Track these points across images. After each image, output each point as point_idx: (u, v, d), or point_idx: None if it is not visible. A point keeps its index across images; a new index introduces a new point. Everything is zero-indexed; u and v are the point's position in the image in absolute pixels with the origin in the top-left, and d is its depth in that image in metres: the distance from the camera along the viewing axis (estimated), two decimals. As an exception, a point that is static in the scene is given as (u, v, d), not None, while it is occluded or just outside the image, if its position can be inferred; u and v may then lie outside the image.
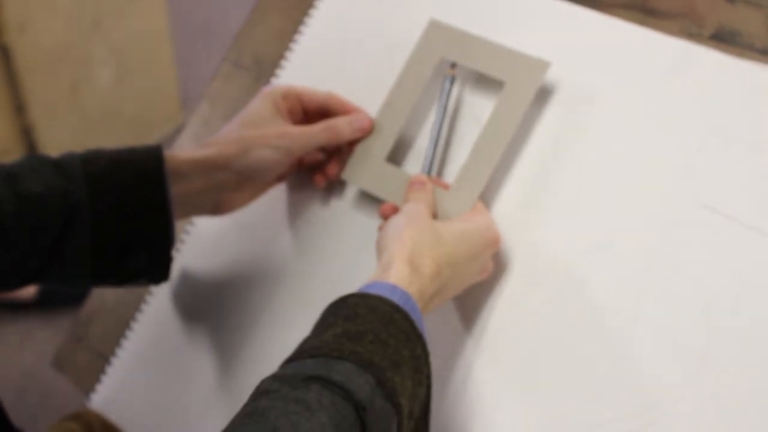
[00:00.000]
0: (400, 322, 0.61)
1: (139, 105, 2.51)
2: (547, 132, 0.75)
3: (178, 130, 0.97)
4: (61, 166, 0.74)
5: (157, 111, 2.58)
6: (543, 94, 0.76)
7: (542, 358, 0.70)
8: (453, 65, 0.78)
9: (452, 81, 0.79)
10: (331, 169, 0.82)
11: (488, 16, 0.81)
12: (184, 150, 0.78)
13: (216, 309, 0.86)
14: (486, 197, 0.75)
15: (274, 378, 0.56)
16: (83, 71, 2.30)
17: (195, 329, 0.87)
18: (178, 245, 0.89)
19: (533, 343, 0.71)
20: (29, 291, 2.04)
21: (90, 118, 2.37)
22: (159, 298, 0.90)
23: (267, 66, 0.93)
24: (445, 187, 0.76)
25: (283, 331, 0.81)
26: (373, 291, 0.63)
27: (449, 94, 0.78)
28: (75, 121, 2.33)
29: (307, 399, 0.54)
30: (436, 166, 0.78)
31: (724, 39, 0.72)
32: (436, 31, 0.80)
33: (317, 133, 0.79)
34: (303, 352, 0.59)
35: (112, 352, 0.91)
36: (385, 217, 0.75)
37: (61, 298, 2.04)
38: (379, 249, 0.69)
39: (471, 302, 0.74)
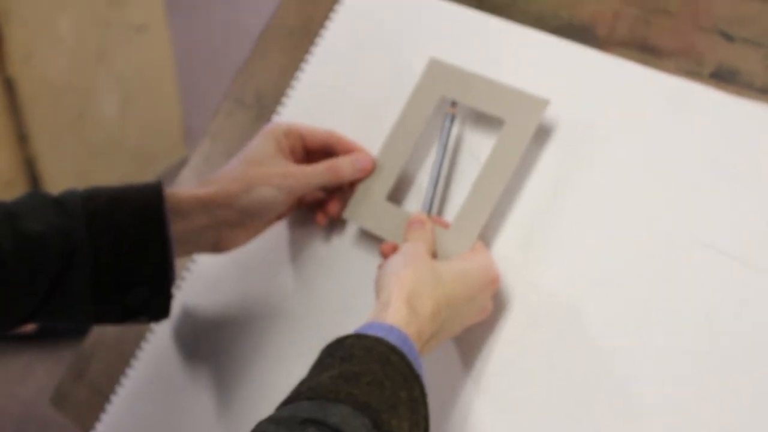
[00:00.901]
0: (397, 364, 0.61)
1: (143, 136, 2.52)
2: (547, 170, 0.75)
3: (181, 162, 0.98)
4: (62, 204, 0.73)
5: (160, 142, 2.58)
6: (543, 133, 0.76)
7: (542, 399, 0.70)
8: (453, 104, 0.79)
9: (452, 119, 0.79)
10: (332, 207, 0.82)
11: (488, 55, 0.81)
12: (185, 187, 0.78)
13: (216, 347, 0.86)
14: (486, 236, 0.75)
15: (270, 420, 0.56)
16: (87, 102, 2.31)
17: (195, 367, 0.87)
18: (178, 282, 0.89)
19: (533, 383, 0.71)
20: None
21: (93, 149, 2.38)
22: (159, 335, 0.90)
23: (269, 102, 0.93)
24: (445, 225, 0.76)
25: (282, 370, 0.81)
26: (370, 332, 0.62)
27: (450, 132, 0.79)
28: (78, 152, 2.34)
29: None
30: (436, 205, 0.78)
31: (724, 78, 0.72)
32: (436, 69, 0.81)
33: (319, 173, 0.79)
34: (299, 394, 0.58)
35: (112, 390, 0.90)
36: (385, 256, 0.75)
37: (62, 331, 2.04)
38: (378, 288, 0.69)
39: (470, 342, 0.74)
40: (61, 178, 2.29)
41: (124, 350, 0.92)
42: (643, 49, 0.76)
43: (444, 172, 0.79)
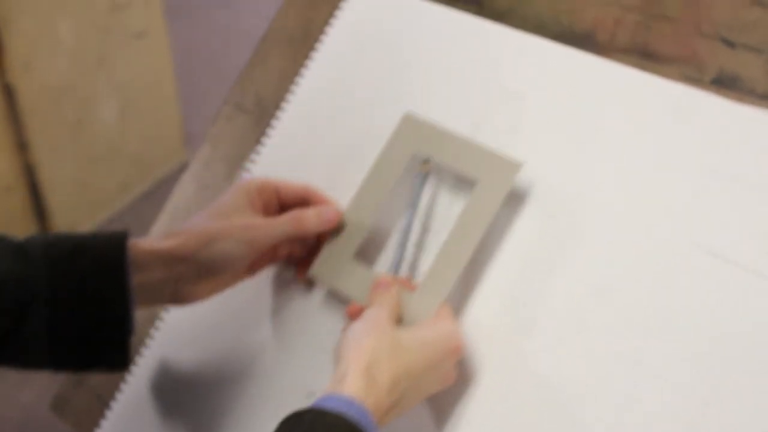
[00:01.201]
0: None
1: (143, 142, 2.52)
2: (540, 171, 0.75)
3: (181, 167, 0.97)
4: (23, 250, 0.72)
5: (160, 148, 2.59)
6: (538, 138, 0.76)
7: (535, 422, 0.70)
8: (426, 161, 0.77)
9: (425, 178, 0.77)
10: (305, 266, 0.81)
11: (489, 61, 0.81)
12: (149, 238, 0.76)
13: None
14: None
15: None
16: (87, 109, 2.32)
17: (191, 376, 0.86)
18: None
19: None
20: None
21: (93, 155, 2.38)
22: (159, 342, 0.90)
23: (269, 107, 0.93)
24: (413, 288, 0.74)
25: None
26: (329, 405, 0.61)
27: (421, 191, 0.77)
28: (78, 159, 2.34)
29: None
30: (407, 265, 0.77)
31: (725, 84, 0.72)
32: (409, 125, 0.79)
33: (282, 224, 0.77)
34: None
35: (112, 396, 0.90)
36: (352, 317, 0.73)
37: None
38: (337, 356, 0.67)
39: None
40: (61, 184, 2.29)
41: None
42: (644, 55, 0.76)
43: (415, 232, 0.78)
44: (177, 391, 0.87)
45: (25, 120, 2.13)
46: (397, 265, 0.76)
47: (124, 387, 0.89)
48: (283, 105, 0.91)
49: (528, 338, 0.72)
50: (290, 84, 0.92)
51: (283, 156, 0.89)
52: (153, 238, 0.76)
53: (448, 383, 0.71)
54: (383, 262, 0.79)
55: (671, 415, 0.65)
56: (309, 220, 0.78)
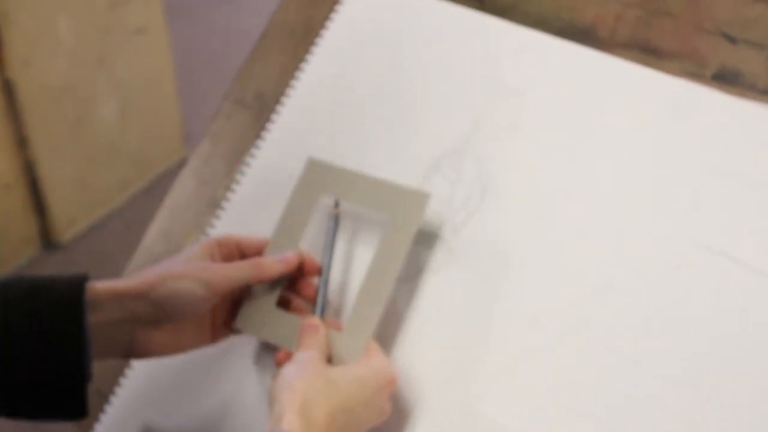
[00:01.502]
0: None
1: (142, 140, 2.52)
2: (540, 165, 0.75)
3: (180, 165, 0.97)
4: None
5: (159, 146, 2.58)
6: (540, 133, 0.75)
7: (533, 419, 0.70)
8: (337, 204, 0.78)
9: (337, 220, 0.78)
10: None
11: (489, 57, 0.81)
12: (107, 281, 0.75)
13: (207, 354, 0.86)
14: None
15: None
16: (86, 106, 2.32)
17: (191, 370, 0.86)
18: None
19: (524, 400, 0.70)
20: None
21: (93, 153, 2.38)
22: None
23: (269, 102, 0.93)
24: (339, 328, 0.75)
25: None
26: None
27: (335, 233, 0.78)
28: (77, 156, 2.34)
29: None
30: (331, 307, 0.77)
31: (726, 79, 0.72)
32: (315, 169, 0.80)
33: (240, 267, 0.76)
34: None
35: (111, 391, 0.90)
36: (280, 365, 0.73)
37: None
38: (271, 400, 0.67)
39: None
40: (61, 181, 2.29)
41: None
42: (645, 50, 0.76)
43: (336, 273, 0.78)
44: (176, 386, 0.86)
45: (25, 117, 2.13)
46: (321, 308, 0.76)
47: (123, 381, 0.89)
48: (283, 100, 0.91)
49: (526, 332, 0.72)
50: (290, 79, 0.92)
51: (282, 151, 0.89)
52: (111, 280, 0.75)
53: (385, 417, 0.71)
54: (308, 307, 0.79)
55: (671, 415, 0.65)
56: (268, 263, 0.77)
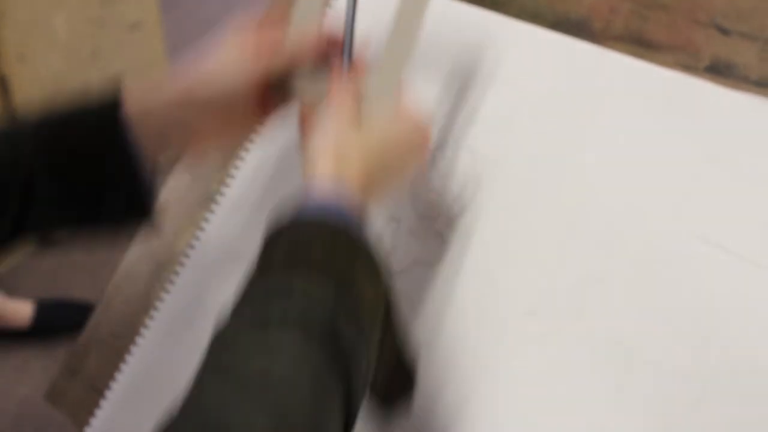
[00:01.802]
0: (343, 243, 0.59)
1: (137, 135, 2.51)
2: (533, 160, 0.75)
3: (174, 159, 0.96)
4: (11, 135, 0.71)
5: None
6: (541, 133, 0.75)
7: (535, 409, 0.70)
8: None
9: None
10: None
11: (477, 44, 0.81)
12: (141, 90, 0.74)
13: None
14: (462, 245, 0.75)
15: (229, 325, 0.55)
16: (81, 101, 2.31)
17: (185, 364, 0.86)
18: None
19: (527, 391, 0.71)
20: (24, 320, 2.03)
21: (88, 148, 2.37)
22: (154, 331, 0.89)
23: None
24: (367, 70, 0.72)
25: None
26: (310, 213, 0.60)
27: None
28: (73, 151, 2.33)
29: (268, 342, 0.53)
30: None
31: (720, 71, 0.72)
32: None
33: (281, 36, 0.74)
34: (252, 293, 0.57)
35: (107, 386, 0.90)
36: (304, 120, 0.72)
37: (58, 327, 2.04)
38: (305, 158, 0.65)
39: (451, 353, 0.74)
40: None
41: (119, 346, 0.92)
42: (639, 43, 0.76)
43: (356, 21, 0.75)
44: (171, 380, 0.86)
45: (20, 112, 2.12)
46: (348, 59, 0.73)
47: (118, 376, 0.89)
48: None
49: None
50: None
51: (276, 146, 0.89)
52: (145, 90, 0.74)
53: (425, 147, 0.71)
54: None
55: (667, 405, 0.65)
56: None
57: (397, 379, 0.68)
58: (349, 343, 0.55)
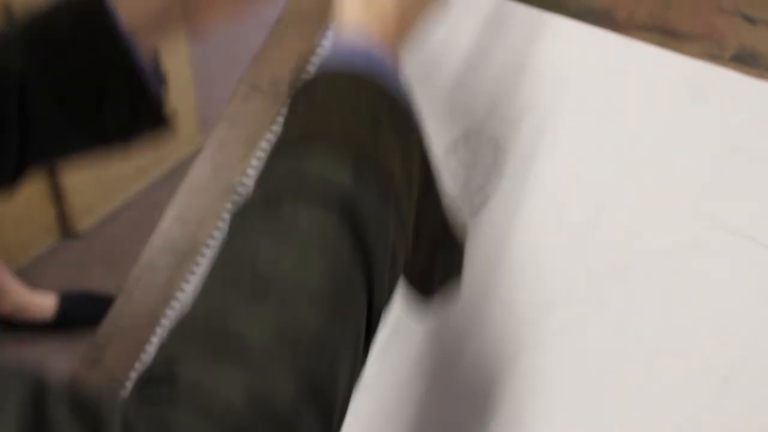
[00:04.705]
0: (369, 98, 0.54)
1: (159, 127, 2.52)
2: (559, 149, 0.74)
3: (196, 152, 0.96)
4: None
5: (175, 133, 2.58)
6: (562, 119, 0.75)
7: (552, 401, 0.69)
8: None
9: None
10: None
11: (507, 40, 0.81)
12: None
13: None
14: (485, 233, 0.75)
15: (239, 209, 0.51)
16: (103, 94, 2.32)
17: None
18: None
19: (543, 383, 0.70)
20: (47, 313, 2.04)
21: (109, 140, 2.38)
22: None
23: (284, 88, 0.93)
24: None
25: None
26: (332, 67, 0.55)
27: None
28: (94, 144, 2.34)
29: (279, 223, 0.48)
30: None
31: (745, 61, 0.71)
32: None
33: None
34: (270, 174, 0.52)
35: (127, 377, 0.90)
36: None
37: (81, 319, 2.05)
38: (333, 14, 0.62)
39: (472, 345, 0.73)
40: (76, 171, 2.30)
41: (140, 337, 0.92)
42: (664, 32, 0.75)
43: None
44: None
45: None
46: None
47: (138, 367, 0.89)
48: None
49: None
50: (306, 64, 0.92)
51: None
52: None
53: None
54: None
55: (690, 392, 0.65)
56: None
57: (440, 260, 0.61)
58: (373, 226, 0.50)
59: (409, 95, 0.56)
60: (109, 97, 0.67)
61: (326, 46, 0.56)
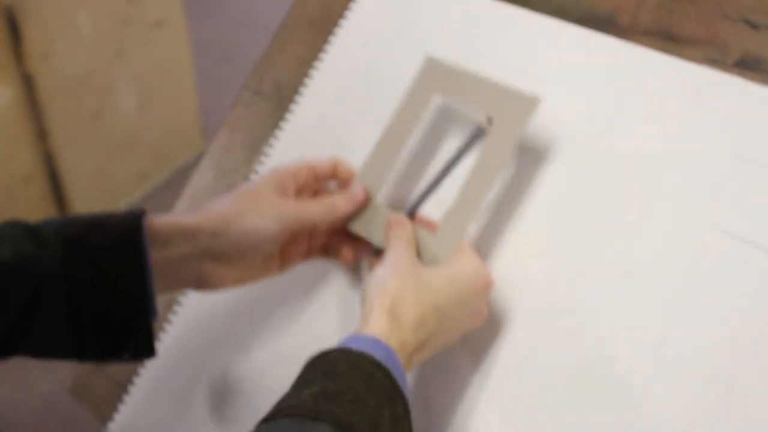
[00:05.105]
0: (381, 381, 0.59)
1: (161, 133, 2.53)
2: (563, 158, 0.74)
3: (199, 158, 0.96)
4: (35, 231, 0.69)
5: (178, 139, 2.59)
6: (558, 122, 0.75)
7: (553, 407, 0.69)
8: (490, 120, 0.75)
9: (481, 133, 0.76)
10: (347, 254, 0.79)
11: (509, 46, 0.81)
12: (171, 214, 0.74)
13: (226, 342, 0.86)
14: (490, 240, 0.75)
15: None
16: (105, 99, 2.32)
17: (212, 358, 0.86)
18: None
19: (544, 389, 0.70)
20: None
21: (112, 145, 2.38)
22: (178, 327, 0.90)
23: (287, 93, 0.93)
24: (432, 227, 0.74)
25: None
26: (354, 345, 0.61)
27: (471, 144, 0.76)
28: (97, 148, 2.35)
29: None
30: (430, 208, 0.77)
31: (748, 66, 0.71)
32: (431, 68, 0.78)
33: (315, 210, 0.75)
34: (279, 411, 0.57)
35: (131, 381, 0.90)
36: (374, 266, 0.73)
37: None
38: (363, 300, 0.67)
39: (476, 344, 0.73)
40: (80, 173, 2.30)
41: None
42: (666, 37, 0.75)
43: (444, 179, 0.77)
44: (194, 377, 0.87)
45: (45, 110, 2.14)
46: (413, 207, 0.76)
47: (142, 371, 0.89)
48: (302, 90, 0.91)
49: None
50: (309, 69, 0.92)
51: (301, 141, 0.89)
52: (176, 214, 0.74)
53: (481, 320, 0.71)
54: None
55: (694, 399, 0.65)
56: (341, 205, 0.76)
57: None
58: None
59: (408, 394, 0.62)
60: (113, 323, 0.70)
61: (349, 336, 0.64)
